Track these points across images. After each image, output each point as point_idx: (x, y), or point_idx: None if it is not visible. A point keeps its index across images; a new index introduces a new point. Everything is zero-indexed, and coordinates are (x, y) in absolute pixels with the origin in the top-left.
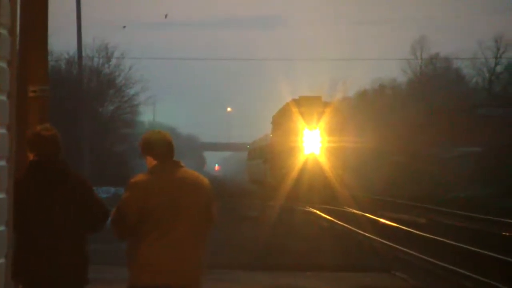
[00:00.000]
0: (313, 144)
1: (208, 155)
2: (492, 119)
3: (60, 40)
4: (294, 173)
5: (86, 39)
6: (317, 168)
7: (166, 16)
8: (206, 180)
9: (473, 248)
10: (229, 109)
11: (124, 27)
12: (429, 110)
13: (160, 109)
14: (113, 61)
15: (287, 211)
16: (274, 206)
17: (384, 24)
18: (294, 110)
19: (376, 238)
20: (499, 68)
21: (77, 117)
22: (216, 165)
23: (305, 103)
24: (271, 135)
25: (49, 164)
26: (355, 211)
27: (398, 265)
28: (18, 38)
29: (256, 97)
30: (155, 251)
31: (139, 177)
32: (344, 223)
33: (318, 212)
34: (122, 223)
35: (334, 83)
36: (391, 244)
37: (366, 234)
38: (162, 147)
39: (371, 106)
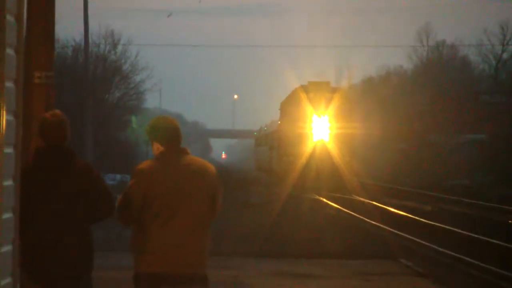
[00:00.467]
0: (322, 131)
1: (214, 142)
2: (497, 106)
3: (66, 27)
4: (302, 160)
5: (92, 25)
6: (325, 155)
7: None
8: (212, 168)
9: (476, 236)
10: (235, 96)
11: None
12: (435, 97)
13: (166, 96)
14: (119, 48)
15: (293, 199)
16: (280, 193)
17: (390, 11)
18: (303, 96)
19: (383, 226)
20: (505, 55)
21: (83, 104)
22: (223, 152)
23: (313, 88)
24: (279, 122)
25: (55, 150)
26: (362, 199)
27: (403, 252)
28: (25, 25)
29: (262, 84)
30: (159, 238)
31: (145, 164)
32: (351, 211)
33: (324, 200)
34: (127, 210)
35: (340, 71)
36: (397, 232)
37: (373, 222)
38: (169, 133)
39: (376, 93)
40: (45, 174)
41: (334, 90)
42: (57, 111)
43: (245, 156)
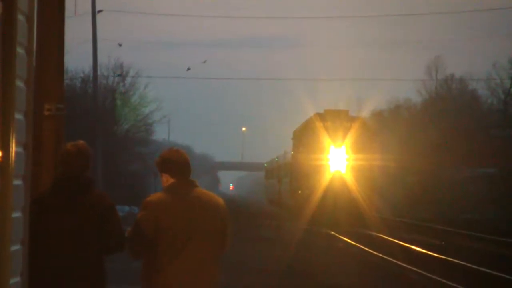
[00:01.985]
0: (339, 162)
1: (223, 174)
2: (507, 140)
3: (76, 58)
4: (318, 194)
5: (101, 57)
6: (343, 188)
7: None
8: (221, 201)
9: (487, 270)
10: (244, 128)
11: (120, 45)
12: (444, 130)
13: (175, 128)
14: (128, 80)
15: (307, 234)
16: (292, 228)
17: (400, 46)
18: (319, 124)
19: (405, 265)
20: None
21: (92, 135)
22: (231, 184)
23: (330, 117)
24: (292, 152)
25: (71, 180)
26: (383, 235)
27: None
28: (34, 58)
29: (271, 117)
30: (169, 271)
31: (154, 196)
32: (370, 248)
33: (337, 235)
34: (137, 243)
35: (349, 103)
36: (421, 271)
37: (395, 261)
38: (180, 165)
39: (386, 126)
40: (60, 203)
41: (352, 119)
42: (80, 142)
43: (253, 188)
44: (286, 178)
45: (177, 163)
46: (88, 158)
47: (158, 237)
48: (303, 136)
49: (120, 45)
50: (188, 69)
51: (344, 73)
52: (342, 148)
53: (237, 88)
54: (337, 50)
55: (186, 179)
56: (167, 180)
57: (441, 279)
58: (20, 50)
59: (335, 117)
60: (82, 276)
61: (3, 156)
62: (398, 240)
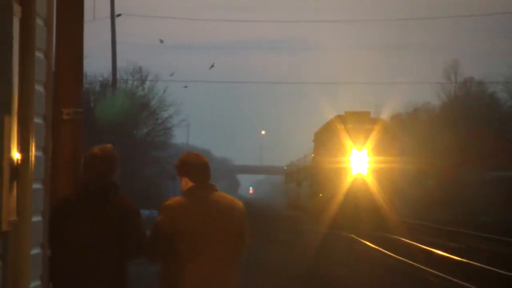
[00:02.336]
0: (361, 165)
1: (242, 178)
2: None
3: (94, 63)
4: (339, 197)
5: (120, 62)
6: (365, 191)
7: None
8: (241, 205)
9: (507, 273)
10: (263, 132)
11: (162, 41)
12: (463, 134)
13: (194, 132)
14: (147, 84)
15: (327, 238)
16: (311, 231)
17: (418, 49)
18: (340, 126)
19: (429, 269)
20: None
21: (111, 140)
22: (251, 188)
23: (351, 119)
24: (312, 155)
25: (95, 184)
26: (404, 239)
27: None
28: (53, 61)
29: (290, 120)
30: (187, 274)
31: (173, 199)
32: (392, 253)
33: (358, 238)
34: (155, 246)
35: (368, 107)
36: (441, 274)
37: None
38: (199, 169)
39: (404, 129)
40: (82, 206)
41: (374, 121)
42: (107, 146)
43: (273, 192)
44: (307, 181)
45: (196, 166)
46: (114, 163)
47: (177, 240)
48: (324, 138)
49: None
50: (212, 66)
51: (362, 76)
52: (364, 151)
53: (256, 92)
54: (354, 54)
55: (205, 183)
56: (186, 183)
57: (461, 282)
58: (38, 54)
59: (356, 119)
60: (103, 279)
61: (22, 160)
62: (418, 243)
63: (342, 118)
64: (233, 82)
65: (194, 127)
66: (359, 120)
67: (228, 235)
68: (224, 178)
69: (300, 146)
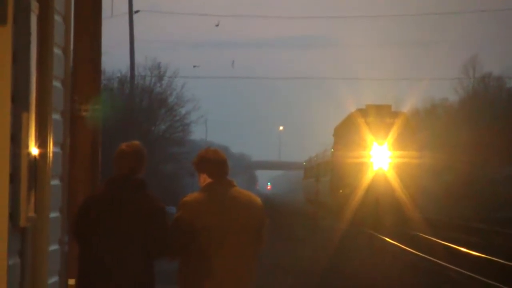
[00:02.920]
0: (382, 159)
1: (260, 173)
2: None
3: (112, 59)
4: (359, 192)
5: (138, 57)
6: (386, 187)
7: (217, 24)
8: (258, 201)
9: None
10: (281, 128)
11: (217, 25)
12: (481, 129)
13: (212, 128)
14: (165, 80)
15: (347, 235)
16: (330, 227)
17: (436, 44)
18: (360, 120)
19: (451, 266)
20: None
21: (129, 136)
22: (269, 183)
23: (372, 113)
24: (332, 150)
25: (124, 180)
26: (425, 235)
27: None
28: (71, 58)
29: (309, 116)
30: (204, 272)
31: (191, 196)
32: (415, 250)
33: (379, 235)
34: (174, 243)
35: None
36: (463, 271)
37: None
38: (217, 165)
39: (423, 125)
40: (110, 202)
41: (395, 115)
42: (135, 143)
43: (291, 187)
44: (326, 176)
45: (214, 162)
46: (142, 159)
47: (195, 236)
48: (344, 132)
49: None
50: (233, 63)
51: (381, 72)
52: (385, 145)
53: (275, 87)
54: (373, 50)
55: (223, 179)
56: (204, 180)
57: (483, 279)
58: (57, 51)
59: (377, 113)
60: (130, 277)
61: (40, 156)
62: (440, 239)
63: (362, 112)
64: (251, 78)
65: (212, 123)
66: (380, 113)
67: (246, 231)
68: (242, 174)
69: (318, 142)
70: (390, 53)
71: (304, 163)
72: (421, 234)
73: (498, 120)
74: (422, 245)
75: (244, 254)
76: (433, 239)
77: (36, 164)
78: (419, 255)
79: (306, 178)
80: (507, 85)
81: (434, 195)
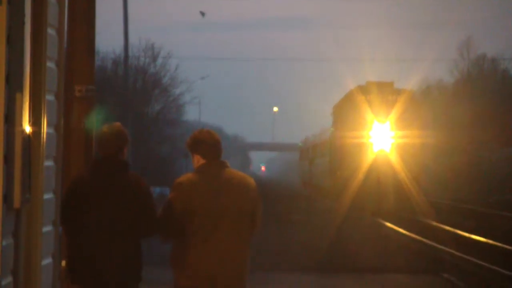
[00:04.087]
0: (383, 140)
1: (254, 155)
2: None
3: (107, 39)
4: (359, 175)
5: (132, 39)
6: (388, 169)
7: (203, 14)
8: (252, 182)
9: None
10: (275, 109)
11: (203, 14)
12: (476, 111)
13: (206, 109)
14: (159, 61)
15: (346, 220)
16: (332, 213)
17: (431, 26)
18: (360, 98)
19: (458, 253)
20: None
21: (123, 117)
22: (262, 165)
23: (373, 90)
24: (332, 129)
25: (107, 161)
26: (431, 221)
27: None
28: (65, 39)
29: (303, 97)
30: (198, 254)
31: (185, 177)
32: (419, 236)
33: (380, 220)
34: (167, 224)
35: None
36: (472, 259)
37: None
38: (210, 146)
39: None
40: (95, 183)
41: (398, 92)
42: (116, 124)
43: (285, 169)
44: (324, 157)
45: (208, 144)
46: (123, 140)
47: (189, 218)
48: (343, 111)
49: (203, 14)
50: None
51: (376, 54)
52: (387, 124)
53: (269, 69)
54: (368, 31)
55: (217, 160)
56: (198, 161)
57: (492, 266)
58: (51, 31)
59: (378, 90)
60: (118, 256)
61: (34, 137)
62: (446, 225)
63: (363, 89)
64: (246, 60)
65: (206, 104)
66: (382, 90)
67: (240, 213)
68: (236, 156)
69: (314, 123)
70: (386, 34)
71: (300, 144)
72: (426, 220)
73: (492, 101)
74: (428, 231)
75: (238, 236)
76: (438, 224)
77: (30, 145)
78: (423, 241)
79: (302, 159)
80: (501, 66)
81: (439, 177)
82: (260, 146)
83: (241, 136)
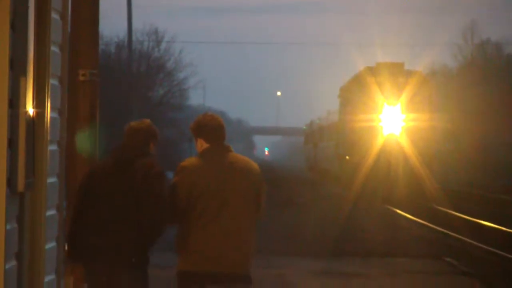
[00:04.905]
0: (394, 123)
1: (257, 139)
2: None
3: (110, 24)
4: (369, 160)
5: (136, 23)
6: (398, 154)
7: None
8: (256, 166)
9: None
10: (279, 93)
11: None
12: (480, 96)
13: (210, 93)
14: (163, 45)
15: (355, 207)
16: (340, 200)
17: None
18: (369, 80)
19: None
20: None
21: (127, 101)
22: (266, 149)
23: (383, 71)
24: (338, 113)
25: (125, 149)
26: (443, 208)
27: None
28: (69, 23)
29: (305, 82)
30: (203, 237)
31: (188, 161)
32: (432, 224)
33: (391, 207)
34: (171, 209)
35: None
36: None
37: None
38: (214, 130)
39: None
40: (108, 168)
41: (409, 73)
42: (145, 120)
43: (289, 153)
44: (331, 141)
45: (211, 128)
46: (151, 135)
47: (192, 202)
48: (352, 93)
49: None
50: None
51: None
52: (397, 107)
53: (274, 53)
54: (373, 16)
55: (220, 144)
56: (201, 145)
57: (502, 252)
58: (54, 16)
59: (388, 71)
60: (125, 243)
61: (38, 121)
62: (460, 213)
63: (372, 70)
64: (249, 43)
65: (210, 88)
66: (392, 72)
67: (244, 197)
68: (240, 140)
69: (317, 107)
70: (391, 19)
71: (305, 127)
72: (437, 206)
73: (497, 86)
74: (441, 219)
75: (242, 219)
76: (451, 211)
77: (34, 129)
78: (435, 228)
79: (308, 143)
80: (505, 51)
81: (449, 162)
82: (264, 130)
83: (245, 120)
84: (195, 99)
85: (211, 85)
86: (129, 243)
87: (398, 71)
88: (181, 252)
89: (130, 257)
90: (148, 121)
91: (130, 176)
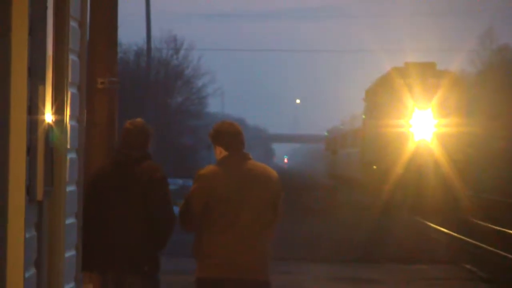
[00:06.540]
0: (425, 128)
1: (276, 147)
2: None
3: (129, 32)
4: (398, 169)
5: (154, 30)
6: (429, 161)
7: None
8: (274, 173)
9: None
10: (298, 101)
11: None
12: (499, 102)
13: (228, 101)
14: (182, 53)
15: (384, 218)
16: (369, 211)
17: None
18: (398, 81)
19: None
20: None
21: (145, 108)
22: (285, 157)
23: (413, 72)
24: (363, 116)
25: (126, 154)
26: (478, 220)
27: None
28: (88, 31)
29: (324, 89)
30: (221, 243)
31: (207, 168)
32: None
33: (421, 219)
34: (189, 215)
35: None
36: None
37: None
38: (233, 138)
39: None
40: (113, 174)
41: (441, 74)
42: (138, 120)
43: (309, 161)
44: (355, 148)
45: (230, 135)
46: (146, 136)
47: (211, 208)
48: (378, 96)
49: None
50: None
51: (397, 44)
52: (429, 111)
53: (293, 60)
54: (388, 22)
55: (239, 152)
56: (220, 152)
57: None
58: (73, 24)
59: (419, 72)
60: (135, 244)
61: (57, 129)
62: (493, 224)
63: (401, 71)
64: (269, 50)
65: (229, 96)
66: (423, 72)
67: (262, 204)
68: (259, 147)
69: (337, 114)
70: (407, 24)
71: (326, 133)
72: (473, 219)
73: None
74: (475, 231)
75: (260, 226)
76: (487, 224)
77: (53, 138)
78: (470, 242)
79: (328, 150)
80: None
81: (492, 169)
82: (283, 138)
83: (264, 128)
84: (213, 106)
85: (230, 93)
86: (139, 250)
87: (429, 72)
88: (199, 258)
89: (143, 265)
90: (141, 120)
91: (135, 179)
